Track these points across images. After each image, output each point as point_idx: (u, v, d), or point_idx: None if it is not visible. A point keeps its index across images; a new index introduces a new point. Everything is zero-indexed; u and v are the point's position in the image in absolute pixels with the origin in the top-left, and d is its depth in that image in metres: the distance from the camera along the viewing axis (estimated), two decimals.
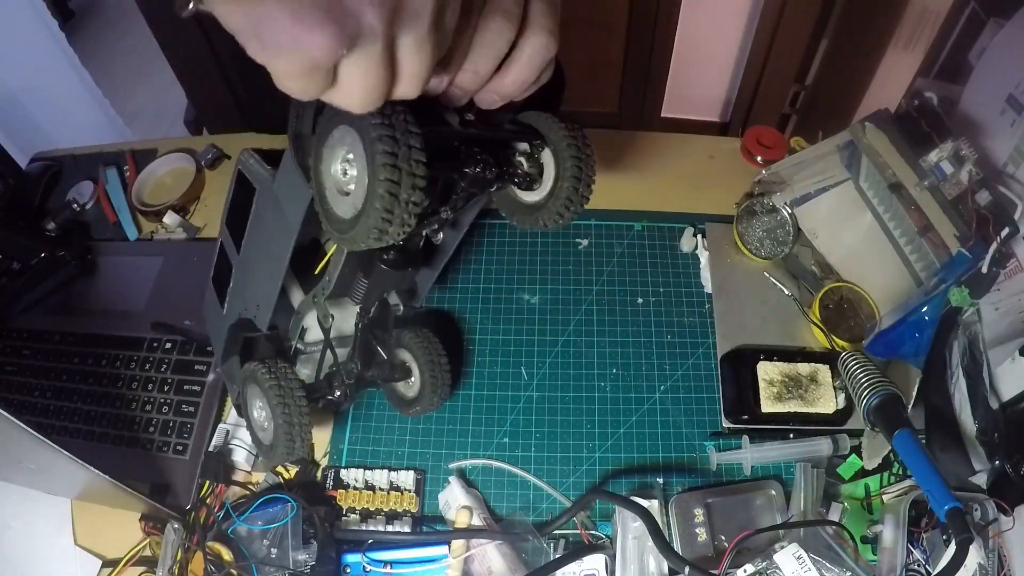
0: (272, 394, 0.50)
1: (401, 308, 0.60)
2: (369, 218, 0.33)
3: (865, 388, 0.58)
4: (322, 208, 0.38)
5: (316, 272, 0.52)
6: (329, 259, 0.50)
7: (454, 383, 0.65)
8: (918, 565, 0.56)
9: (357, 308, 0.56)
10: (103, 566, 0.63)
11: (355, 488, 0.64)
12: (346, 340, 0.60)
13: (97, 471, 0.53)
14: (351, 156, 0.35)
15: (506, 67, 0.37)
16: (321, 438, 0.68)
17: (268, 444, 0.53)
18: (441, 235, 0.51)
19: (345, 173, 0.36)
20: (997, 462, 0.58)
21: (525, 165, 0.44)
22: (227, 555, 0.58)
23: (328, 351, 0.58)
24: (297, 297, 0.55)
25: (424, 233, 0.48)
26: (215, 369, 0.71)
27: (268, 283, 0.51)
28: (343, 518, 0.63)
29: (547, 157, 0.44)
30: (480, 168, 0.41)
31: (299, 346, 0.60)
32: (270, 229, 0.49)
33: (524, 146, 0.44)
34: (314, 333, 0.60)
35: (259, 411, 0.54)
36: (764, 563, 0.51)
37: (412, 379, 0.63)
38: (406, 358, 0.63)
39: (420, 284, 0.60)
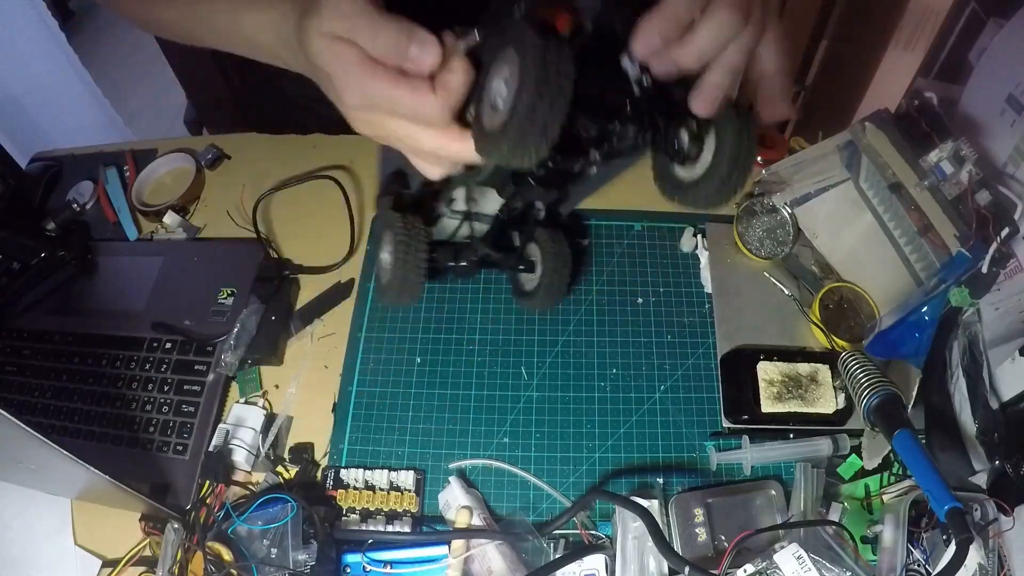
0: (399, 240, 0.57)
1: (543, 212, 0.64)
2: (508, 133, 0.37)
3: (865, 388, 0.58)
4: (476, 122, 0.41)
5: None
6: None
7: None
8: (918, 565, 0.56)
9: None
10: (103, 566, 0.63)
11: (355, 488, 0.64)
12: (487, 219, 0.64)
13: (97, 471, 0.53)
14: (509, 76, 0.38)
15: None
16: (321, 438, 0.68)
17: (384, 283, 0.61)
18: (595, 169, 0.50)
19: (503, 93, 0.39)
20: (997, 462, 0.58)
21: (686, 141, 0.45)
22: (227, 555, 0.58)
23: (465, 223, 0.63)
24: None
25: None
26: (216, 368, 0.71)
27: None
28: (343, 518, 0.63)
29: (710, 140, 0.44)
30: (635, 132, 0.44)
31: (444, 210, 0.63)
32: None
33: (693, 124, 0.45)
34: (461, 204, 0.64)
35: (387, 254, 0.61)
36: (764, 563, 0.51)
37: (534, 275, 0.68)
38: (534, 254, 0.67)
39: (572, 197, 0.64)
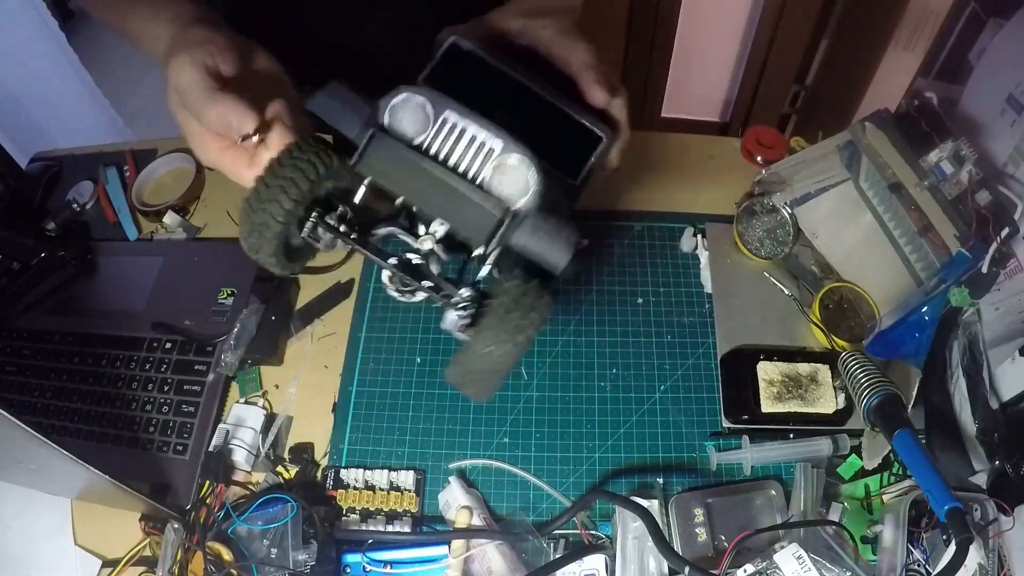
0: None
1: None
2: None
3: (865, 388, 0.58)
4: None
5: None
6: None
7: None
8: (918, 565, 0.56)
9: None
10: (103, 566, 0.63)
11: (355, 488, 0.64)
12: None
13: (97, 471, 0.53)
14: None
15: None
16: (321, 438, 0.68)
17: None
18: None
19: None
20: (997, 462, 0.58)
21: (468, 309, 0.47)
22: (227, 555, 0.58)
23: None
24: None
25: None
26: (216, 368, 0.71)
27: None
28: (343, 518, 0.63)
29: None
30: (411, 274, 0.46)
31: None
32: None
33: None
34: None
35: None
36: (764, 563, 0.51)
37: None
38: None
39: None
